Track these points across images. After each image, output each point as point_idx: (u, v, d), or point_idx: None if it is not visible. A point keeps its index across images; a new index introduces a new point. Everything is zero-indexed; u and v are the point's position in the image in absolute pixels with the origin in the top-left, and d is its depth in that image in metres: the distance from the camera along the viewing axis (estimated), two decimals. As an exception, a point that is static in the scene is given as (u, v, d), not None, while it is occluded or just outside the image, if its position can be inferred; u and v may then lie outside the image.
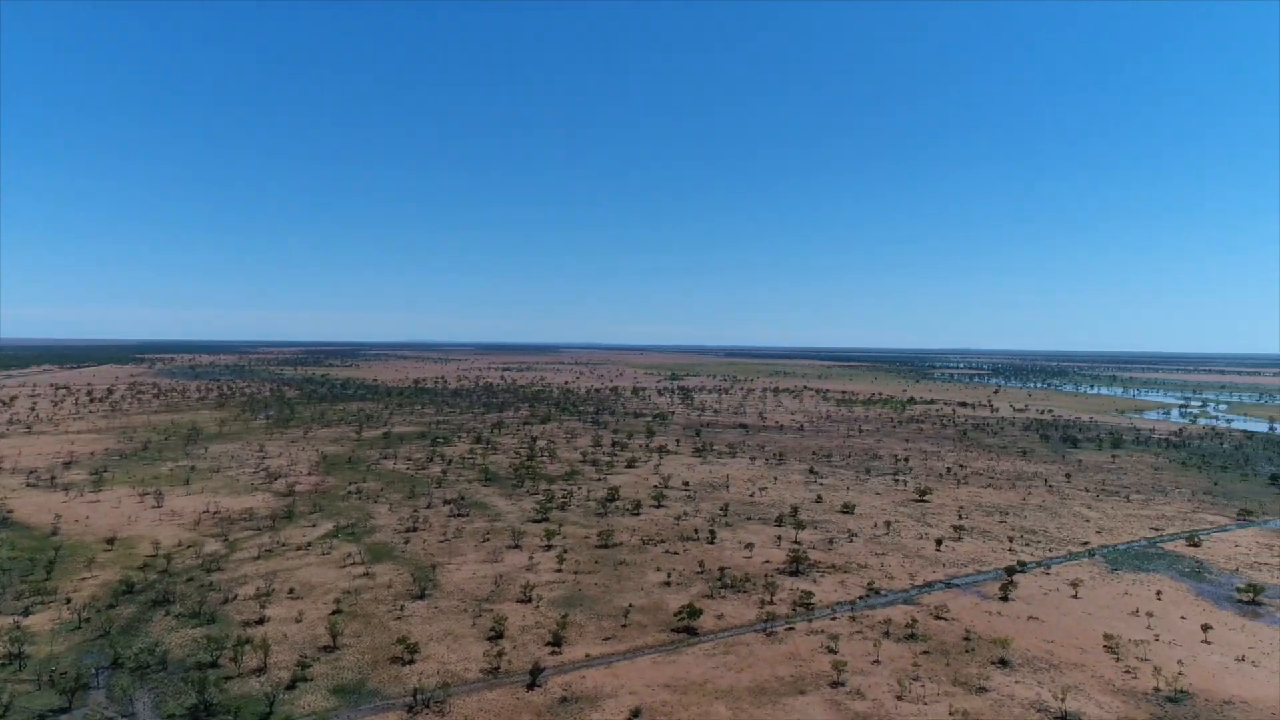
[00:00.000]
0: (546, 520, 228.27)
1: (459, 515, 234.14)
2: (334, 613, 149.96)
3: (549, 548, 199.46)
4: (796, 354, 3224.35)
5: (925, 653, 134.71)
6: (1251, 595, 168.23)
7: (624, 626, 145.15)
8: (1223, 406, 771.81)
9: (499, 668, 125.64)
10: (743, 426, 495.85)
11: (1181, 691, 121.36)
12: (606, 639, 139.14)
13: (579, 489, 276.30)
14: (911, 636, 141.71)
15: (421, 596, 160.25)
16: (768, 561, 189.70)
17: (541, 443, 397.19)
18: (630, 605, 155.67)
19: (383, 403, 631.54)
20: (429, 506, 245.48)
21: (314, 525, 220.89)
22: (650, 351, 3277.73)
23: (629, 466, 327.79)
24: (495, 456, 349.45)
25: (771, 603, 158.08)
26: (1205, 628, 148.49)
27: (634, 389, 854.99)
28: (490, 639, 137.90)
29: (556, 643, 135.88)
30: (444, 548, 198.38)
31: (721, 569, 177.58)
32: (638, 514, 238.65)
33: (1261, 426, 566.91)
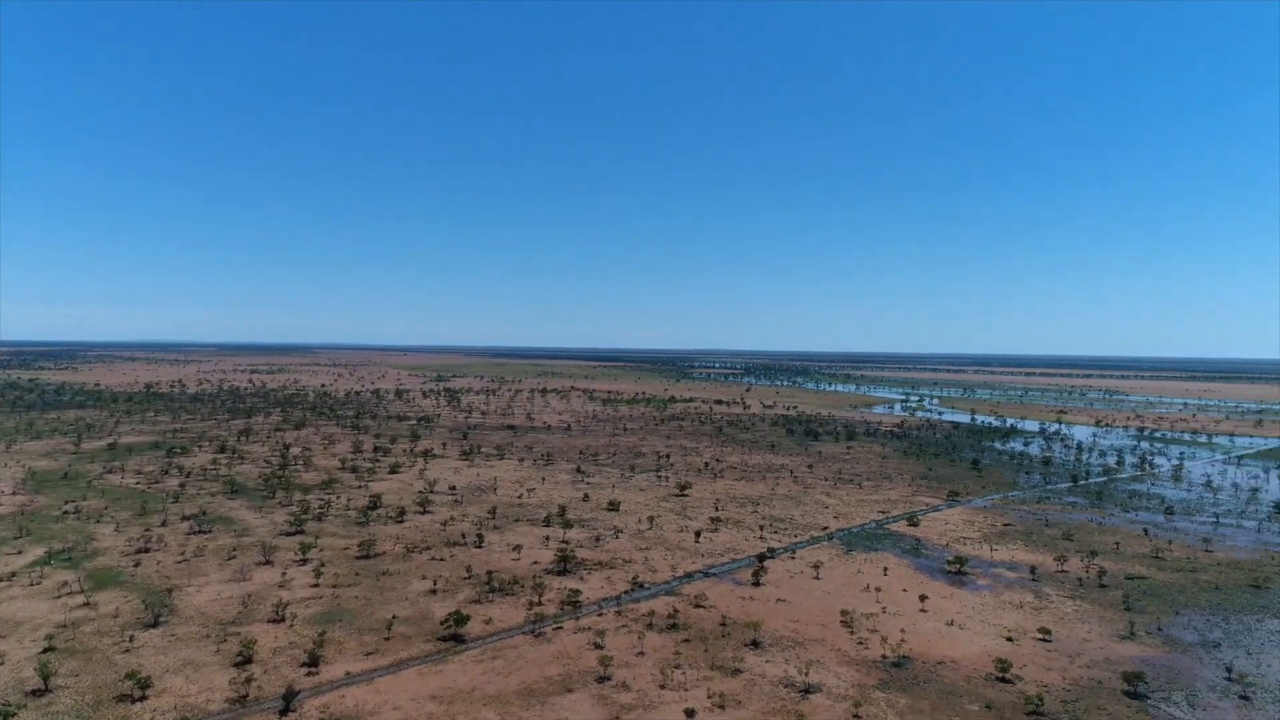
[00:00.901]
0: (301, 533, 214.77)
1: (200, 532, 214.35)
2: (46, 651, 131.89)
3: (304, 562, 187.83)
4: (563, 354, 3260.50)
5: (686, 641, 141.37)
6: (958, 566, 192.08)
7: (387, 639, 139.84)
8: (935, 401, 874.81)
9: (248, 695, 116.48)
10: (511, 428, 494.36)
11: (904, 657, 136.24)
12: (369, 654, 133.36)
13: (338, 498, 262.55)
14: (674, 626, 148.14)
15: (155, 625, 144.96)
16: (536, 562, 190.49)
17: (295, 450, 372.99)
18: (394, 617, 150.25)
19: (107, 410, 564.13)
20: (164, 524, 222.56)
21: (19, 552, 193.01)
22: (415, 352, 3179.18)
23: (392, 472, 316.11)
24: (243, 466, 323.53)
25: (540, 604, 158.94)
26: (922, 598, 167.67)
27: (397, 391, 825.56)
28: (237, 665, 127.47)
29: (313, 663, 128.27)
30: (182, 569, 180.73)
31: (489, 573, 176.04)
32: (402, 521, 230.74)
33: (965, 418, 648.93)
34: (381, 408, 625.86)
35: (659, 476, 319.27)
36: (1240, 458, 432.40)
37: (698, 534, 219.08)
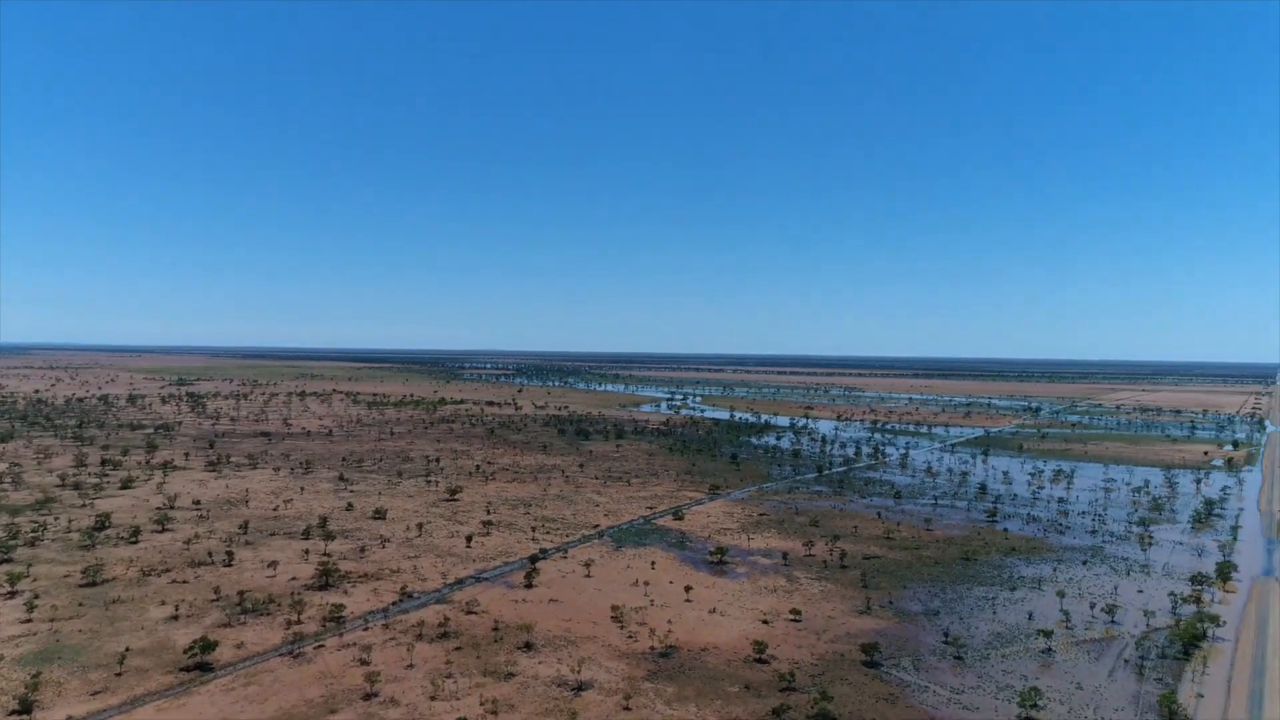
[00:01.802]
0: (10, 561, 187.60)
1: None
2: None
3: (12, 595, 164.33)
4: (324, 355, 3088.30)
5: (458, 649, 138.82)
6: (719, 556, 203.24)
7: (119, 675, 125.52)
8: (698, 399, 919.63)
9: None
10: (265, 434, 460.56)
11: (671, 646, 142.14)
12: (96, 693, 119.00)
13: (56, 519, 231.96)
14: (445, 635, 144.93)
15: None
16: (295, 578, 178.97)
17: (1, 467, 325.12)
18: (127, 649, 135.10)
19: None
20: None
21: None
22: (152, 353, 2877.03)
23: (125, 488, 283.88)
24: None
25: (299, 622, 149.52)
26: (688, 588, 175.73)
27: (131, 396, 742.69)
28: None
29: (25, 709, 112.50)
30: None
31: (241, 593, 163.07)
32: (136, 542, 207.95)
33: (725, 415, 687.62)
34: (111, 415, 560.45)
35: (428, 481, 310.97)
36: (953, 445, 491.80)
37: (469, 539, 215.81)
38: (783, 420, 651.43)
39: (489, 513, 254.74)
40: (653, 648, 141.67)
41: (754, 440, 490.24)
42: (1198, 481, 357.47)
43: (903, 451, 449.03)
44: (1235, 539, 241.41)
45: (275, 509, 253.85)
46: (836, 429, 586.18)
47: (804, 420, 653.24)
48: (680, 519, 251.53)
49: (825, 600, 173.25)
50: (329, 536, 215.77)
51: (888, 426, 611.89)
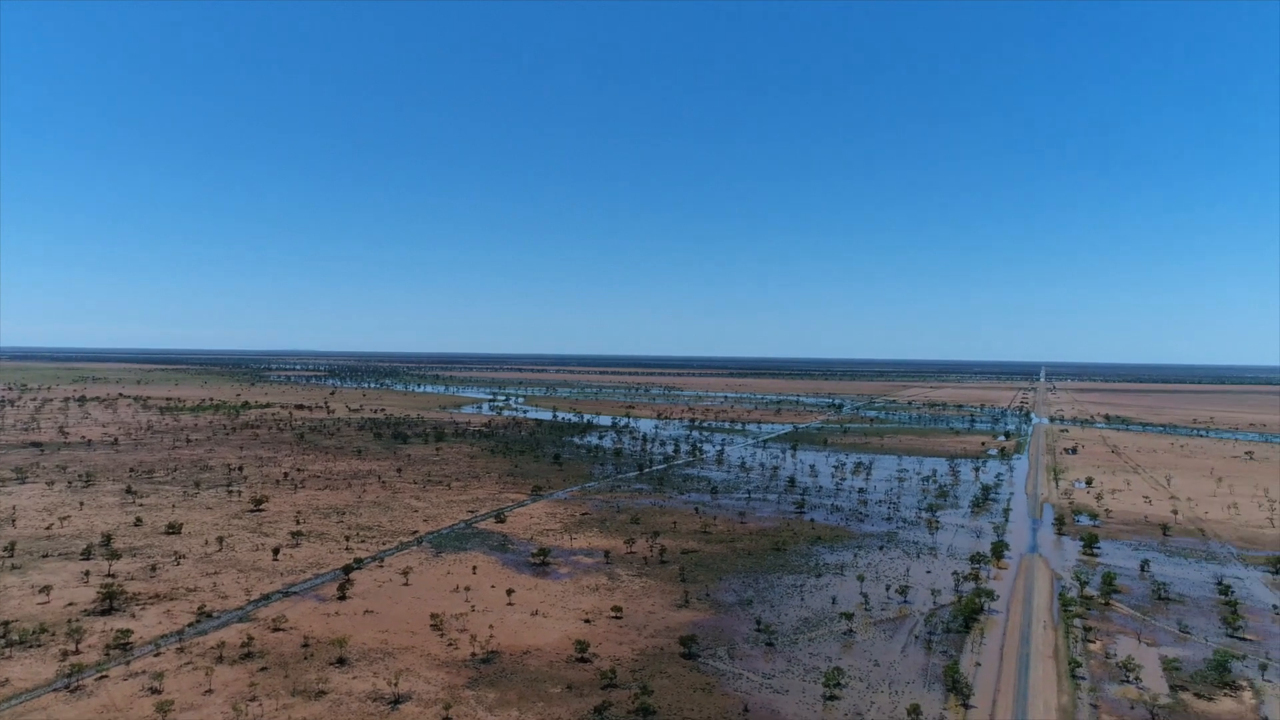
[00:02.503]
0: None
1: None
2: None
3: None
4: (107, 356, 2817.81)
5: (263, 669, 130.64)
6: (542, 558, 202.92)
7: None
8: (521, 400, 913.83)
9: None
10: (36, 445, 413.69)
11: (492, 652, 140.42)
12: None
13: None
14: (248, 655, 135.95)
15: None
16: (72, 604, 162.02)
17: None
18: None
19: None
20: None
21: None
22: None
23: None
24: None
25: (77, 652, 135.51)
26: (510, 592, 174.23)
27: None
28: None
29: None
30: None
31: (6, 624, 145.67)
32: None
33: (548, 415, 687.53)
34: None
35: (230, 491, 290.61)
36: (765, 441, 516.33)
37: (276, 551, 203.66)
38: (605, 420, 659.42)
39: (298, 523, 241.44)
40: (474, 654, 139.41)
41: (577, 440, 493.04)
42: (976, 470, 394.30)
43: (719, 448, 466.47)
44: (1007, 521, 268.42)
45: (49, 527, 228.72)
46: (657, 427, 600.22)
47: (626, 419, 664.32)
48: (503, 521, 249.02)
49: (646, 596, 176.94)
50: (114, 555, 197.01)
51: (705, 424, 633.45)
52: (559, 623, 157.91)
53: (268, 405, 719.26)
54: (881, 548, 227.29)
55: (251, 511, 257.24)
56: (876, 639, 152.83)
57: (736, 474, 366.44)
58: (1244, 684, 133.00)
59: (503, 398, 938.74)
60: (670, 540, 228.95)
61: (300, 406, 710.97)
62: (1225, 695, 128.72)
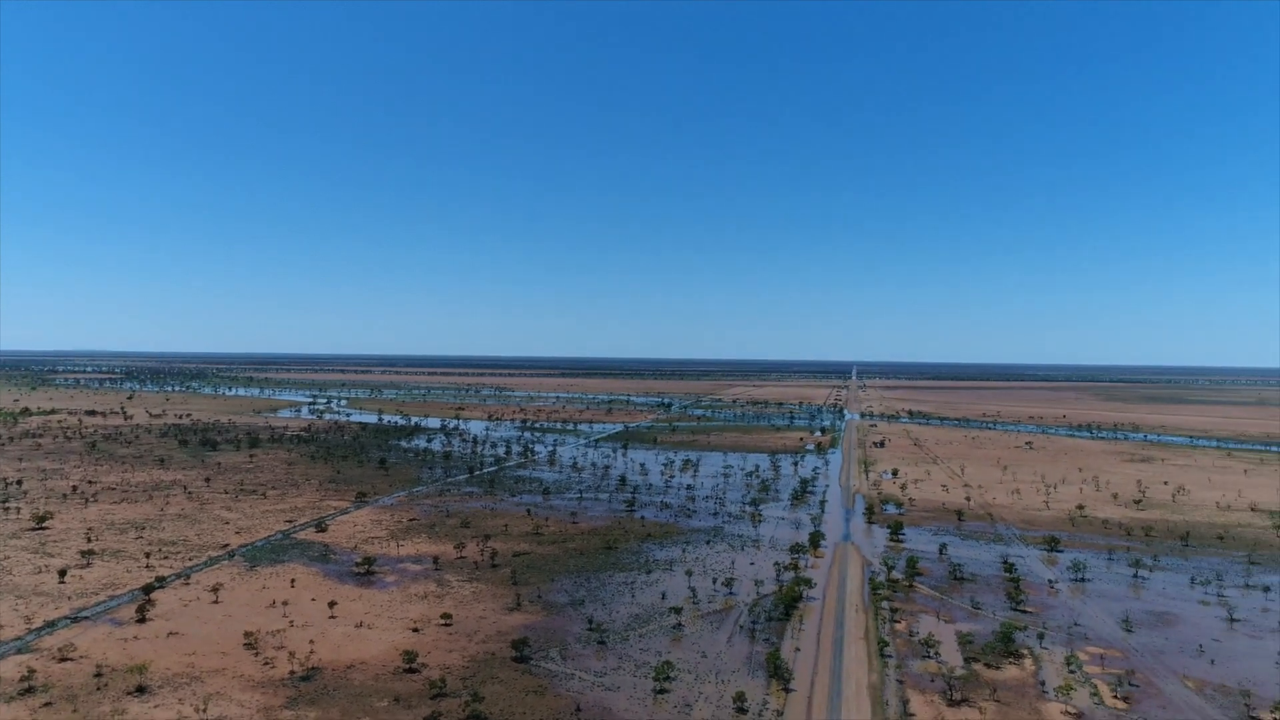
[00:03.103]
0: None
1: None
2: None
3: None
4: None
5: (47, 704, 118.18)
6: (367, 567, 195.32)
7: None
8: (344, 402, 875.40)
9: None
10: None
11: (313, 669, 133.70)
12: None
13: None
14: (29, 690, 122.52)
15: None
16: None
17: None
18: None
19: None
20: None
21: None
22: None
23: None
24: None
25: None
26: (332, 604, 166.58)
27: None
28: None
29: None
30: None
31: None
32: None
33: (373, 418, 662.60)
34: None
35: (6, 508, 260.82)
36: (597, 441, 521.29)
37: (63, 573, 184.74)
38: (434, 422, 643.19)
39: (90, 540, 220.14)
40: (293, 672, 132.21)
41: (404, 443, 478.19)
42: (795, 464, 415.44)
43: (551, 449, 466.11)
44: (823, 512, 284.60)
45: None
46: (488, 429, 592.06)
47: (455, 421, 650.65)
48: (324, 531, 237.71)
49: (477, 601, 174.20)
50: None
51: (537, 425, 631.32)
52: (385, 633, 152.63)
53: (53, 412, 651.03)
54: (708, 542, 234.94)
55: (33, 530, 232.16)
56: (704, 631, 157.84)
57: (569, 474, 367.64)
58: (1025, 652, 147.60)
59: (324, 400, 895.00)
60: (502, 543, 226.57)
61: (92, 413, 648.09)
62: (1010, 664, 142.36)
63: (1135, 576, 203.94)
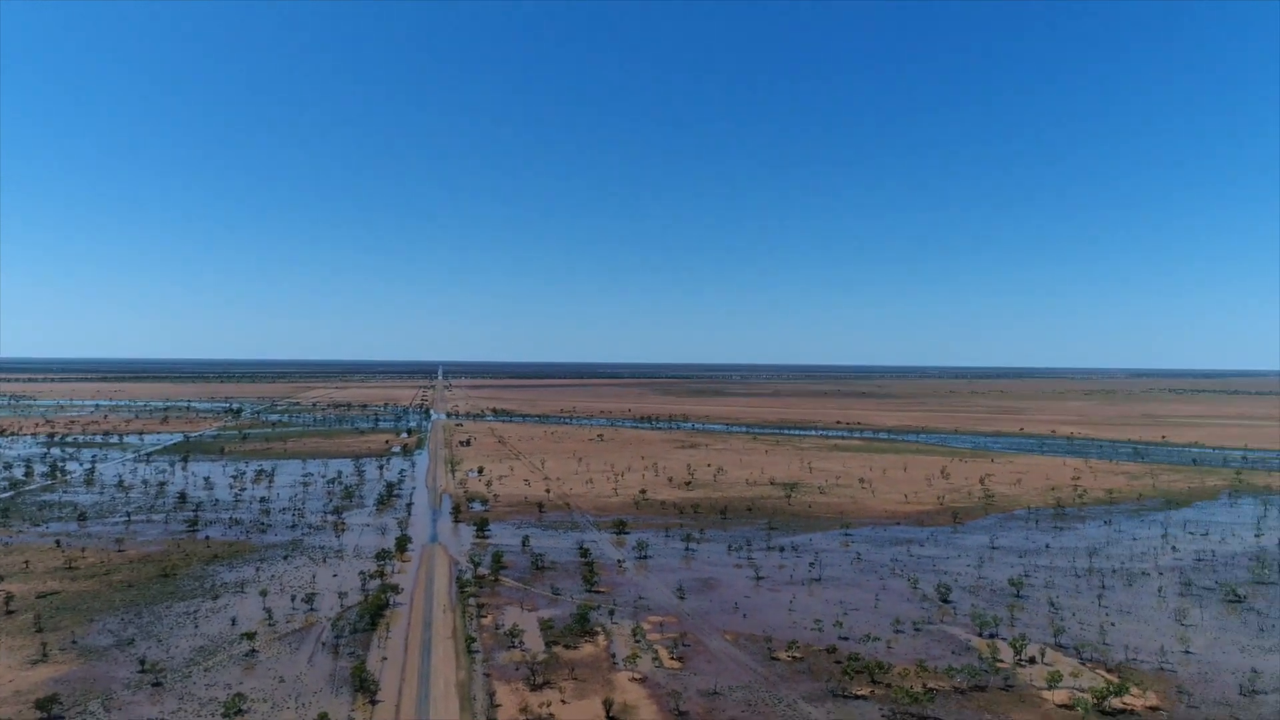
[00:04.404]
0: None
1: None
2: None
3: None
4: None
5: None
6: None
7: None
8: None
9: None
10: None
11: None
12: None
13: None
14: None
15: None
16: None
17: None
18: None
19: None
20: None
21: None
22: None
23: None
24: None
25: None
26: None
27: None
28: None
29: None
30: None
31: None
32: None
33: None
34: None
35: None
36: (150, 454, 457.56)
37: None
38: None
39: None
40: None
41: None
42: (381, 467, 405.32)
43: (89, 466, 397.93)
44: (410, 515, 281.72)
45: None
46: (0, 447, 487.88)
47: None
48: None
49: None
50: None
51: (70, 438, 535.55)
52: None
53: None
54: (286, 557, 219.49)
55: None
56: (282, 654, 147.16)
57: (113, 494, 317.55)
58: (599, 629, 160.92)
59: None
60: (21, 584, 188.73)
61: None
62: (586, 642, 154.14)
63: (687, 549, 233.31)
